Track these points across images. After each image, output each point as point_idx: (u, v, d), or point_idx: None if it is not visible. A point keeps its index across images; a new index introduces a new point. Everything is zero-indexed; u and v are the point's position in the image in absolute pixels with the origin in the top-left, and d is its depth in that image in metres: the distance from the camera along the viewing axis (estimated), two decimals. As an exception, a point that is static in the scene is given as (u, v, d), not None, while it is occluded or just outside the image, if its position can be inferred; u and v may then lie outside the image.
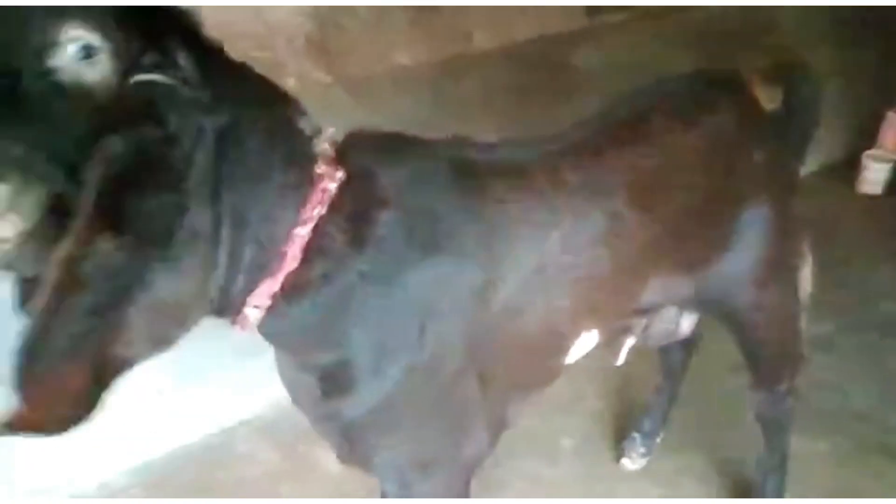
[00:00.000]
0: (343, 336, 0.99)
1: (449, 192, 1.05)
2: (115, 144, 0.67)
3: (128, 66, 0.71)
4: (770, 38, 2.89)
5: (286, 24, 1.88)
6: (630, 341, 1.51)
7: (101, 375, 0.75)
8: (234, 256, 0.86)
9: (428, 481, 1.16)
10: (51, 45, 0.65)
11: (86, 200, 0.66)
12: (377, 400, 1.02)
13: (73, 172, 0.68)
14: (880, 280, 2.77)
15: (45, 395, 0.72)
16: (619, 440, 2.11)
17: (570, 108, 2.49)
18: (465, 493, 1.23)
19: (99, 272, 0.68)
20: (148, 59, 0.72)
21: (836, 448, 2.04)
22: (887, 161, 3.34)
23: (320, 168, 0.93)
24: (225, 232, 0.83)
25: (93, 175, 0.66)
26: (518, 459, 2.05)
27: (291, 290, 0.93)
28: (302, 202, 0.91)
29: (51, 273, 0.66)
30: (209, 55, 0.81)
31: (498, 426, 1.24)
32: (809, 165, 2.54)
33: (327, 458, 2.11)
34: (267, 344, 1.07)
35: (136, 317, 0.74)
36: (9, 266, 0.67)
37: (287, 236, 0.90)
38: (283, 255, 0.91)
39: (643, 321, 1.47)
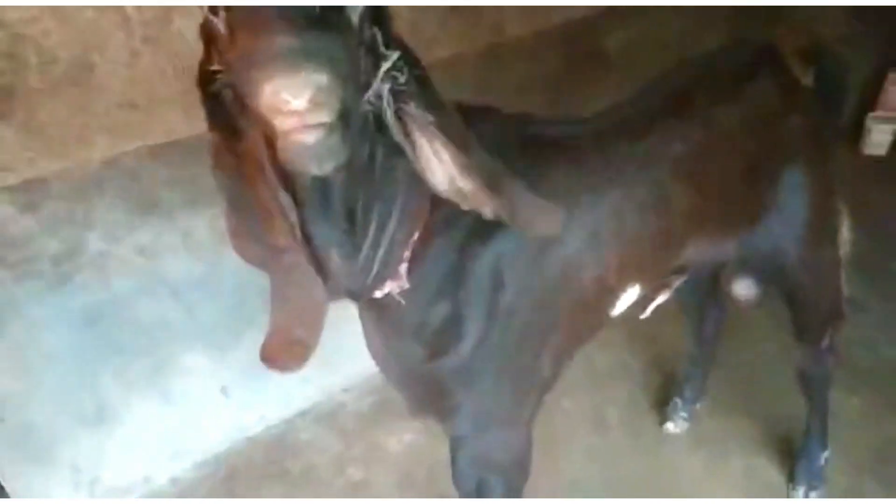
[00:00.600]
0: (455, 290, 1.09)
1: (518, 162, 1.14)
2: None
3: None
4: (791, 10, 2.96)
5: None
6: (662, 297, 1.62)
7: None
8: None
9: (501, 428, 1.30)
10: None
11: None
12: (473, 351, 1.13)
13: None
14: (892, 239, 2.89)
15: (282, 340, 0.96)
16: (661, 406, 2.23)
17: (602, 88, 2.57)
18: (530, 442, 1.36)
19: None
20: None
21: (869, 403, 2.17)
22: (891, 122, 3.44)
23: None
24: None
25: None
26: (569, 431, 2.16)
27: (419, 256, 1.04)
28: None
29: None
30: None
31: (549, 380, 1.36)
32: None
33: (388, 441, 2.22)
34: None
35: None
36: (319, 154, 0.74)
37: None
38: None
39: (680, 278, 1.59)
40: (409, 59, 0.85)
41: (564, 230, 1.15)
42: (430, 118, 0.86)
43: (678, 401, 2.17)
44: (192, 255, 1.91)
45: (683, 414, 2.16)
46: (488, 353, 1.15)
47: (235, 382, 2.17)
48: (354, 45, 0.77)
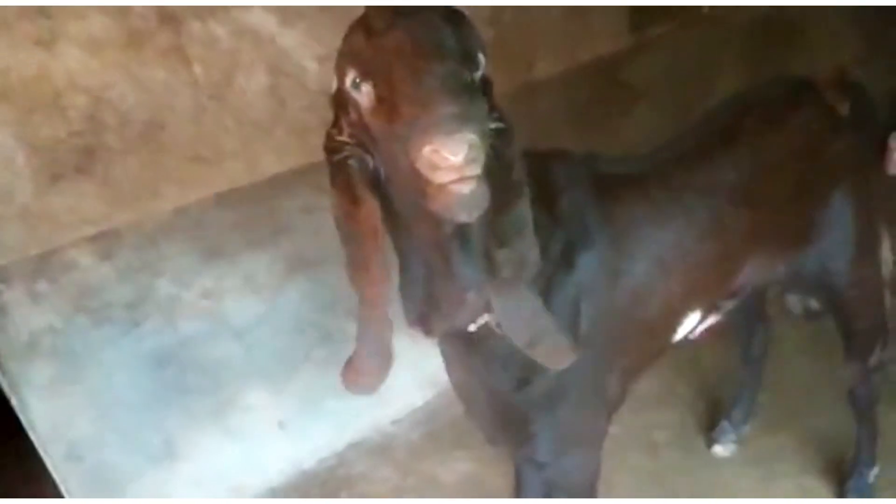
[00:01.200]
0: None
1: (589, 197, 1.25)
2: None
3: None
4: (804, 37, 3.06)
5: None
6: (713, 319, 1.68)
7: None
8: None
9: (577, 451, 1.38)
10: (472, 59, 0.88)
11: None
12: (556, 378, 1.19)
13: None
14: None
15: (357, 369, 1.10)
16: (709, 429, 2.25)
17: (629, 120, 2.69)
18: (600, 465, 1.44)
19: None
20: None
21: (912, 418, 2.18)
22: (914, 141, 3.49)
23: None
24: None
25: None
26: (619, 454, 2.19)
27: None
28: None
29: None
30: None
31: (616, 404, 1.43)
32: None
33: (441, 471, 2.27)
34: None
35: None
36: (471, 203, 0.83)
37: None
38: None
39: (730, 303, 1.65)
40: (506, 122, 0.96)
41: (632, 260, 1.24)
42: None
43: (727, 423, 2.20)
44: (252, 295, 2.00)
45: (732, 436, 2.19)
46: (568, 379, 1.21)
47: (292, 417, 2.24)
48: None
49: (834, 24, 3.22)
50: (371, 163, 0.95)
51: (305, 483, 2.29)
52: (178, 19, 1.63)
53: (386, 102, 0.82)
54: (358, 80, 0.86)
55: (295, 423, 2.26)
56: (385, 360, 1.09)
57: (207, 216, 1.85)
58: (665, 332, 1.45)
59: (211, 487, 2.15)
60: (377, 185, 0.97)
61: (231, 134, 1.79)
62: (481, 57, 0.88)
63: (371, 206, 0.95)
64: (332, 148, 0.96)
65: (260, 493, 2.26)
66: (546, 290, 1.15)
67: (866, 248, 1.64)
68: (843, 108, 1.65)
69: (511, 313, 1.06)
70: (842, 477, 2.02)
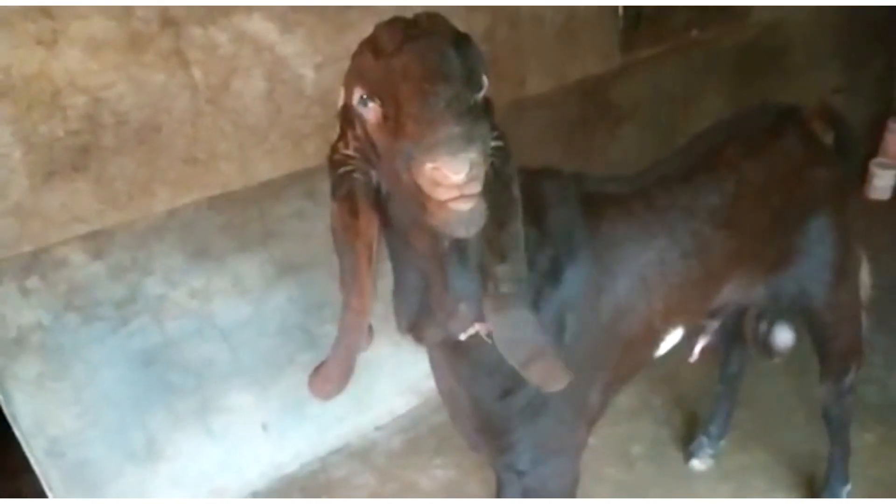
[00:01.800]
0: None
1: (576, 215, 1.29)
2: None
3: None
4: (787, 64, 3.15)
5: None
6: (703, 340, 1.73)
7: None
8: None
9: (557, 459, 1.41)
10: (476, 81, 0.91)
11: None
12: (538, 390, 1.21)
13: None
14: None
15: (323, 375, 1.14)
16: (685, 443, 2.30)
17: (616, 139, 2.75)
18: (578, 474, 1.48)
19: None
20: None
21: (882, 438, 2.24)
22: (892, 168, 3.59)
23: None
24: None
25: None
26: (596, 466, 2.23)
27: None
28: None
29: None
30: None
31: (596, 416, 1.48)
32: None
33: (420, 478, 2.29)
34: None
35: None
36: (470, 219, 0.86)
37: None
38: None
39: (716, 322, 1.72)
40: (505, 141, 1.00)
41: (616, 277, 1.28)
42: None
43: (704, 438, 2.24)
44: (240, 297, 2.02)
45: (709, 451, 2.23)
46: (550, 391, 1.25)
47: (275, 420, 2.26)
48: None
49: (817, 52, 3.31)
50: (374, 177, 0.99)
51: (286, 486, 2.30)
52: (179, 24, 1.66)
53: (392, 120, 0.85)
54: (365, 98, 0.89)
55: (278, 426, 2.27)
56: (346, 371, 1.13)
57: (199, 218, 1.87)
58: (646, 348, 1.50)
59: (192, 488, 2.16)
60: (377, 199, 1.00)
61: (226, 138, 1.82)
62: (484, 79, 0.92)
63: (369, 219, 0.99)
64: (337, 161, 0.99)
65: (241, 495, 2.27)
66: (533, 303, 1.19)
67: (845, 272, 1.69)
68: (828, 137, 1.71)
69: (509, 331, 1.08)
70: (814, 493, 2.08)
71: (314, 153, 1.93)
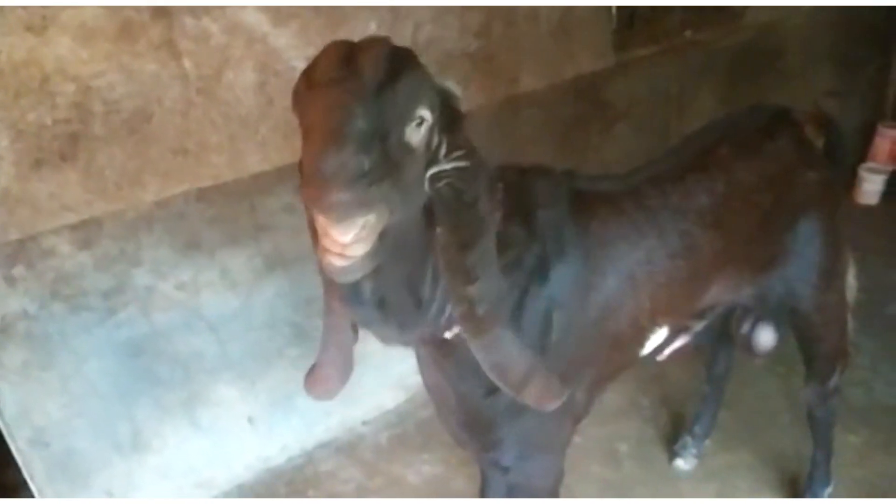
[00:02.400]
0: (514, 329, 1.16)
1: (566, 213, 1.29)
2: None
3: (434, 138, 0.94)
4: (781, 66, 3.16)
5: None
6: (682, 340, 1.74)
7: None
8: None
9: (541, 456, 1.42)
10: (408, 118, 0.87)
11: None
12: None
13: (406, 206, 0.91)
14: (890, 284, 3.02)
15: (317, 377, 1.18)
16: (670, 443, 2.31)
17: (608, 137, 2.75)
18: (563, 471, 1.49)
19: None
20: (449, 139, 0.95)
21: (866, 441, 2.26)
22: (882, 173, 3.62)
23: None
24: None
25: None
26: (582, 464, 2.24)
27: None
28: None
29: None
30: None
31: (582, 413, 1.48)
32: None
33: (406, 473, 2.30)
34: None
35: None
36: (345, 273, 0.87)
37: None
38: None
39: (703, 323, 1.71)
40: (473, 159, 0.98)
41: (604, 275, 1.28)
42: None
43: (688, 438, 2.26)
44: (228, 290, 2.01)
45: (694, 451, 2.24)
46: None
47: (262, 413, 2.25)
48: (414, 165, 0.89)
49: (812, 55, 3.33)
50: None
51: (273, 480, 2.30)
52: (171, 13, 1.65)
53: (303, 153, 0.83)
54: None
55: (265, 419, 2.26)
56: (344, 369, 1.14)
57: (188, 209, 1.86)
58: (633, 346, 1.50)
59: (178, 480, 2.15)
60: None
61: (217, 129, 1.81)
62: (424, 112, 0.88)
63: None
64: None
65: (227, 488, 2.26)
66: (520, 301, 1.19)
67: (833, 275, 1.70)
68: (819, 141, 1.72)
69: (494, 355, 1.07)
70: (798, 494, 2.09)
71: (305, 147, 1.92)
